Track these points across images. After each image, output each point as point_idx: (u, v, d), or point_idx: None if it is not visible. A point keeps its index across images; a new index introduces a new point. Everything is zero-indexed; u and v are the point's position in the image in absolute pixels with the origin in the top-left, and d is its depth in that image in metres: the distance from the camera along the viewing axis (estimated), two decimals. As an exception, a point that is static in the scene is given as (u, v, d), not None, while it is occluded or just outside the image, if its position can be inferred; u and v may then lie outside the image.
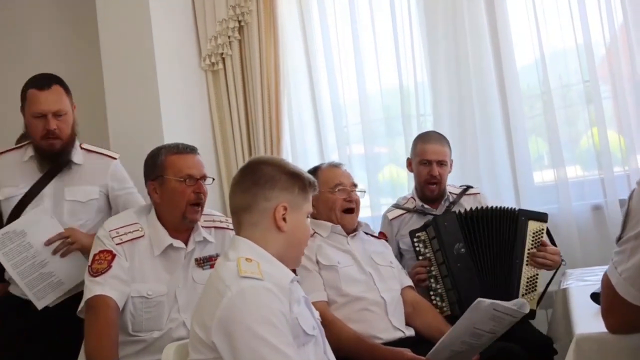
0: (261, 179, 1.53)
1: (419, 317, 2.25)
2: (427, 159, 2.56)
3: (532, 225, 2.36)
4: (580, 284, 2.01)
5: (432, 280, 2.38)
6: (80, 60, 3.43)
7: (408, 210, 2.62)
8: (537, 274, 2.34)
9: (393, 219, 2.64)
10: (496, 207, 2.42)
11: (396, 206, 2.69)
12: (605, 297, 1.35)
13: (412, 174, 2.73)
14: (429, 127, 3.08)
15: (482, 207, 2.44)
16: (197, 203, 2.04)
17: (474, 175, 2.98)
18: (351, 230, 2.32)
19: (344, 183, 2.31)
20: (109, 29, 3.00)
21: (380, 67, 3.19)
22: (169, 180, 2.03)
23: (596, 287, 1.75)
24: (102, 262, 1.95)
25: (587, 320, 1.56)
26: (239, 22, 3.16)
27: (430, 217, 2.51)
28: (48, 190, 2.29)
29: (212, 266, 2.08)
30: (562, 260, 2.37)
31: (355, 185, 2.35)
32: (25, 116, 2.30)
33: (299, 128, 3.30)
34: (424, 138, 2.64)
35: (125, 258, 1.99)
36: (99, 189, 2.37)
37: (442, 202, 2.61)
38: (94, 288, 1.92)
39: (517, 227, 2.35)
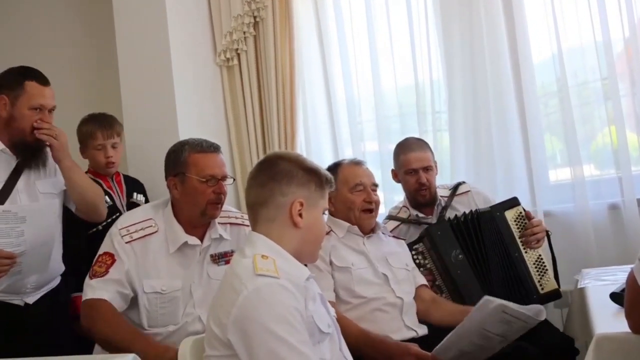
0: (278, 174, 1.53)
1: (438, 308, 2.24)
2: (412, 167, 2.54)
3: (510, 214, 2.38)
4: (598, 284, 1.99)
5: (437, 290, 2.37)
6: (96, 55, 3.46)
7: (403, 221, 2.61)
8: (540, 255, 2.35)
9: (391, 230, 2.60)
10: (474, 210, 2.42)
11: (390, 217, 2.67)
12: (630, 298, 1.33)
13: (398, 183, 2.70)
14: (443, 124, 3.06)
15: (471, 210, 2.43)
16: (217, 202, 2.04)
17: (489, 173, 2.97)
18: (368, 231, 2.31)
19: (365, 183, 2.28)
20: (125, 24, 3.02)
21: (395, 63, 3.17)
22: (190, 178, 2.02)
23: (615, 286, 1.74)
24: (102, 266, 1.97)
25: (607, 319, 1.55)
26: (254, 17, 3.16)
27: (426, 226, 2.50)
28: (20, 184, 2.22)
29: (227, 262, 2.08)
30: (548, 231, 2.39)
31: (375, 185, 2.33)
32: (15, 106, 2.21)
33: (313, 124, 3.29)
34: (404, 147, 2.61)
35: (134, 258, 1.99)
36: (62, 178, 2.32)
37: (436, 208, 2.59)
38: (87, 291, 1.96)
39: (497, 223, 2.36)
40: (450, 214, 2.50)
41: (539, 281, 2.30)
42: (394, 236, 2.45)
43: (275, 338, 1.33)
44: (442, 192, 2.62)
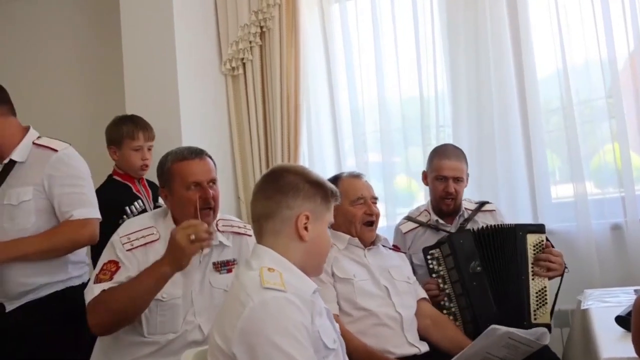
0: (284, 187, 1.52)
1: (439, 330, 2.23)
2: (444, 175, 2.51)
3: (531, 239, 2.34)
4: (602, 305, 1.98)
5: (445, 298, 2.35)
6: (102, 62, 3.47)
7: (421, 224, 2.59)
8: (546, 287, 2.32)
9: (406, 232, 2.61)
10: (496, 224, 2.40)
11: (409, 218, 2.66)
12: (638, 321, 1.32)
13: (427, 186, 2.70)
14: (447, 138, 3.06)
15: (497, 224, 2.42)
16: (208, 207, 2.02)
17: (491, 189, 2.96)
18: (369, 243, 2.30)
19: (365, 196, 2.29)
20: (132, 31, 3.02)
21: (400, 76, 3.17)
22: (176, 188, 2.02)
23: (618, 309, 1.73)
24: (107, 273, 1.94)
25: (613, 343, 1.54)
26: (261, 27, 3.16)
27: (443, 233, 2.49)
28: None
29: (229, 271, 2.08)
30: (566, 267, 2.35)
31: (375, 198, 2.33)
32: None
33: (317, 135, 3.29)
34: (441, 153, 2.59)
35: (136, 264, 1.97)
36: (34, 188, 2.15)
37: (457, 218, 2.58)
38: (88, 295, 1.91)
39: (517, 242, 2.32)
40: (470, 227, 2.48)
41: (534, 311, 2.27)
42: (395, 248, 2.45)
43: (281, 353, 1.31)
44: (467, 205, 2.61)
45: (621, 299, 1.98)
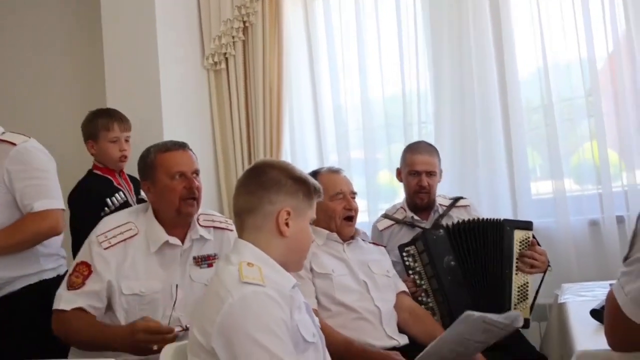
0: (267, 182, 1.52)
1: (417, 324, 2.25)
2: (416, 169, 2.56)
3: (518, 234, 2.38)
4: (578, 299, 2.02)
5: (422, 294, 2.37)
6: (83, 56, 3.43)
7: (397, 222, 2.62)
8: (528, 282, 2.36)
9: (383, 229, 2.63)
10: (481, 218, 2.43)
11: (385, 216, 2.69)
12: (610, 316, 1.35)
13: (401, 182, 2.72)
14: (429, 135, 3.08)
15: (470, 219, 2.45)
16: (191, 197, 2.03)
17: (472, 185, 2.99)
18: (348, 238, 2.31)
19: (344, 191, 2.30)
20: (113, 25, 3.00)
21: (383, 73, 3.19)
22: (160, 178, 2.02)
23: (594, 303, 1.77)
24: (79, 276, 1.94)
25: (588, 336, 1.57)
26: (244, 22, 3.15)
27: (419, 230, 2.52)
28: None
29: (209, 265, 2.08)
30: (549, 265, 2.39)
31: (354, 193, 2.34)
32: None
33: (300, 131, 3.30)
34: (413, 149, 2.64)
35: (115, 263, 1.96)
36: None
37: (432, 214, 2.61)
38: (60, 302, 1.92)
39: (504, 236, 2.36)
40: (445, 223, 2.51)
41: (515, 304, 2.31)
42: (374, 243, 2.46)
43: (260, 347, 1.32)
44: (441, 201, 2.64)
45: (597, 293, 2.02)
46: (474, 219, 2.44)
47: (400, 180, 2.69)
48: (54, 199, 2.18)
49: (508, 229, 2.37)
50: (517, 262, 2.35)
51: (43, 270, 2.23)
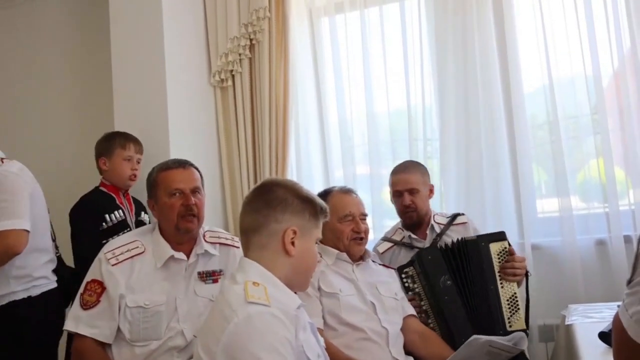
0: (273, 201, 1.53)
1: (426, 345, 2.23)
2: (397, 189, 2.60)
3: (494, 247, 2.39)
4: (586, 321, 2.00)
5: (423, 315, 2.37)
6: (91, 72, 3.46)
7: (396, 243, 2.63)
8: (515, 293, 2.35)
9: (384, 252, 2.63)
10: (460, 238, 2.44)
11: (384, 239, 2.70)
12: (616, 338, 1.33)
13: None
14: (434, 151, 3.09)
15: (459, 237, 2.45)
16: (190, 214, 2.06)
17: (477, 202, 2.98)
18: (358, 258, 2.31)
19: (354, 213, 2.29)
20: (121, 42, 3.02)
21: (388, 89, 3.19)
22: (160, 196, 2.09)
23: (603, 325, 1.75)
24: (92, 295, 1.98)
25: (597, 359, 1.55)
26: (251, 40, 3.17)
27: (417, 250, 2.51)
28: None
29: (214, 281, 2.10)
30: (527, 271, 2.39)
31: (364, 215, 2.33)
32: None
33: (305, 147, 3.30)
34: (393, 170, 2.69)
35: (124, 279, 1.99)
36: None
37: (429, 233, 2.61)
38: (79, 324, 1.96)
39: (481, 253, 2.37)
40: (444, 242, 2.51)
41: (508, 318, 2.30)
42: (384, 265, 2.45)
43: (264, 368, 1.31)
44: (439, 220, 2.65)
45: (605, 315, 2.00)
46: (458, 239, 2.44)
47: (393, 202, 2.71)
48: (16, 218, 2.19)
49: (483, 244, 2.39)
50: (499, 275, 2.35)
51: (13, 292, 2.25)
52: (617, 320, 1.33)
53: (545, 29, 2.92)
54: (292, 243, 1.51)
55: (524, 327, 2.30)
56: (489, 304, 2.31)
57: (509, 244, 2.41)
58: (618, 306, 1.34)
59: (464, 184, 3.02)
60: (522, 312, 2.33)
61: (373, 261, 2.37)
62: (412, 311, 2.32)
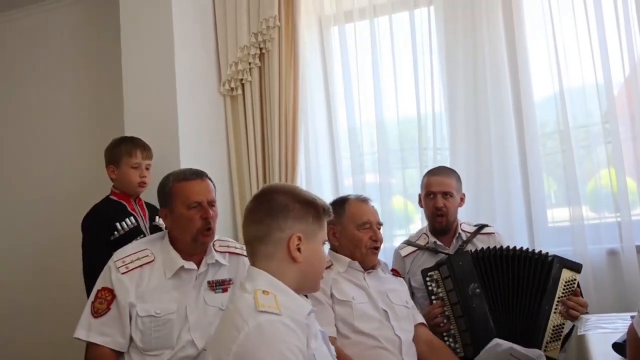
0: (274, 209, 1.51)
1: (434, 356, 2.23)
2: (432, 190, 2.58)
3: (566, 274, 2.34)
4: (599, 332, 1.98)
5: (445, 320, 2.35)
6: (102, 80, 3.48)
7: (420, 247, 2.61)
8: (564, 324, 2.31)
9: (405, 256, 2.62)
10: (523, 248, 2.39)
11: (408, 242, 2.68)
12: (631, 349, 1.32)
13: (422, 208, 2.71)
14: (444, 160, 3.07)
15: (500, 247, 2.42)
16: (207, 227, 2.05)
17: (488, 212, 2.96)
18: (369, 267, 2.30)
19: (372, 221, 2.30)
20: (132, 51, 3.04)
21: (398, 98, 3.19)
22: (177, 207, 2.07)
23: (615, 335, 1.74)
24: (103, 302, 1.99)
25: (610, 371, 1.53)
26: (260, 49, 3.18)
27: (442, 255, 2.49)
28: None
29: (224, 290, 2.10)
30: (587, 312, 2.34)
31: (380, 224, 2.34)
32: None
33: (315, 156, 3.30)
34: (430, 171, 2.68)
35: (134, 287, 2.00)
36: None
37: (455, 240, 2.59)
38: (90, 333, 1.97)
39: (551, 273, 2.32)
40: (469, 249, 2.48)
41: (547, 343, 2.26)
42: (393, 274, 2.44)
43: (276, 378, 1.31)
44: (466, 228, 2.63)
45: (618, 325, 1.98)
46: (510, 248, 2.40)
47: (421, 206, 2.69)
48: None
49: (558, 266, 2.33)
50: (557, 302, 2.30)
51: None
52: (632, 331, 1.31)
53: (556, 36, 2.91)
54: (298, 249, 1.50)
55: (557, 357, 2.27)
56: (536, 322, 2.27)
57: (579, 283, 2.35)
58: (632, 317, 1.33)
59: (474, 193, 3.00)
60: (560, 342, 2.29)
61: (383, 270, 2.37)
62: (422, 320, 2.31)
